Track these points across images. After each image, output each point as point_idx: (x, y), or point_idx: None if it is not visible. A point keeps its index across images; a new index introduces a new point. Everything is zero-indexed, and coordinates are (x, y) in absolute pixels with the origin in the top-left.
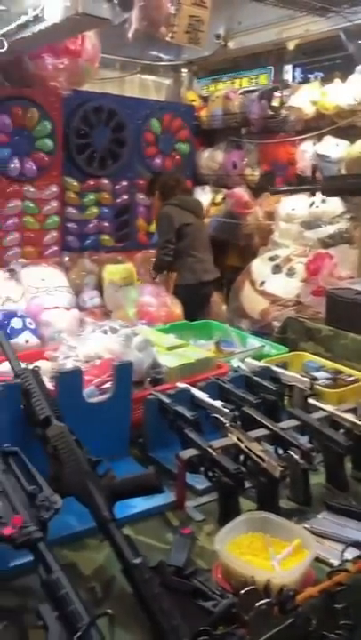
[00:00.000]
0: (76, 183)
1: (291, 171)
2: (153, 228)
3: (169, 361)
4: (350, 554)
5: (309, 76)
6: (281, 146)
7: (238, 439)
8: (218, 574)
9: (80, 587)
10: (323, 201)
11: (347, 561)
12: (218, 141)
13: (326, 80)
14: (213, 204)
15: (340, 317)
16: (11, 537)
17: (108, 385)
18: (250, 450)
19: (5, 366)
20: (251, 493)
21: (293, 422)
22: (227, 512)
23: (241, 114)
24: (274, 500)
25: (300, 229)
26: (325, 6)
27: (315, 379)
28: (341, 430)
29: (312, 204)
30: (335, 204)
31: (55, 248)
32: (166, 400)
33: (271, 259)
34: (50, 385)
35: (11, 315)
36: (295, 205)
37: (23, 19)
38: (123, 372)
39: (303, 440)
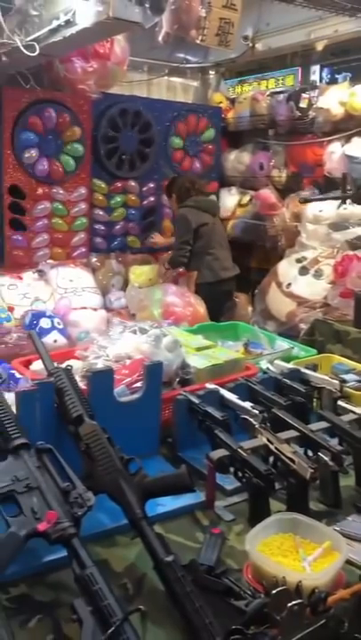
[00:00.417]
0: (103, 185)
1: (318, 172)
2: None
3: (197, 362)
4: None
5: (337, 76)
6: (308, 147)
7: (268, 440)
8: (248, 574)
9: (112, 583)
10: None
11: None
12: (244, 143)
13: (355, 80)
14: (240, 205)
15: None
16: (45, 532)
17: (138, 384)
18: (280, 451)
19: (39, 365)
20: (280, 495)
21: (323, 424)
22: (257, 513)
23: (268, 115)
24: (304, 501)
25: (327, 231)
26: (356, 6)
27: (344, 381)
28: None
29: (340, 206)
30: None
31: (83, 249)
32: (196, 400)
33: (298, 260)
34: (82, 384)
35: (40, 315)
36: (323, 207)
37: (55, 23)
38: (153, 371)
39: (333, 442)
